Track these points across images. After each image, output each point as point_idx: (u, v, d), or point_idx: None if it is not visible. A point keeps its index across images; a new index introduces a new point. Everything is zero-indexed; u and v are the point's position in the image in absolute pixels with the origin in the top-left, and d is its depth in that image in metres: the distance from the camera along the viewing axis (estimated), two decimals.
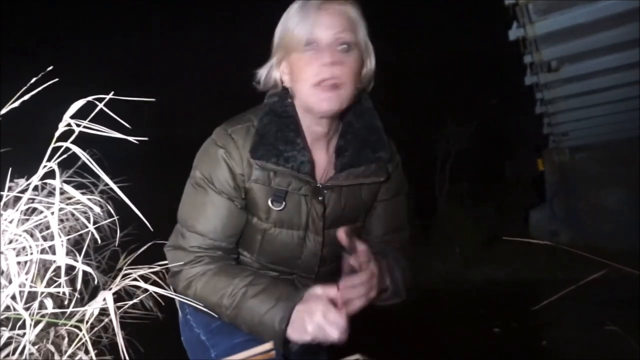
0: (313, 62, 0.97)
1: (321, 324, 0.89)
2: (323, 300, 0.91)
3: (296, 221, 1.06)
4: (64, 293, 0.75)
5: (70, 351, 0.82)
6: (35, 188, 0.75)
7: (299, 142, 1.01)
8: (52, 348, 0.86)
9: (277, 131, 1.01)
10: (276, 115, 1.02)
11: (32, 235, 0.75)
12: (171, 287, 1.04)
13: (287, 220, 1.05)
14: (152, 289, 0.85)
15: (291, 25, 0.98)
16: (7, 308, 0.72)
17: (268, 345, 0.97)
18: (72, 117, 0.66)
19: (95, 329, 0.96)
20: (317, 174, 1.07)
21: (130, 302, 0.92)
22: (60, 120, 0.68)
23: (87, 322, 0.77)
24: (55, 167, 0.68)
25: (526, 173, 8.59)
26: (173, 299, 1.11)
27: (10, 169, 0.92)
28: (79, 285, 0.74)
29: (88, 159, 0.67)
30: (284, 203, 1.03)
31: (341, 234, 0.95)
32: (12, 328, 0.77)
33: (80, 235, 1.04)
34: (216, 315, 1.01)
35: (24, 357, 0.74)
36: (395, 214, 1.21)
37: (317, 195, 1.05)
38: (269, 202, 1.03)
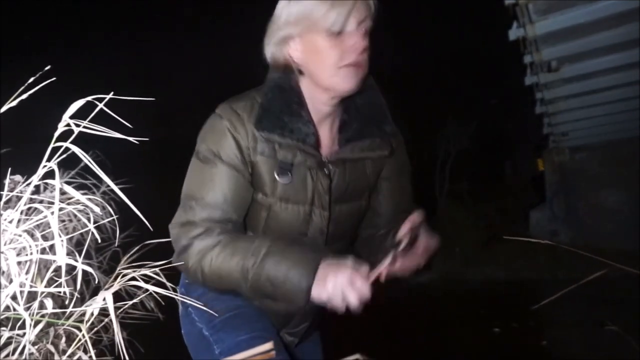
0: (341, 46, 0.97)
1: (344, 285, 0.89)
2: (351, 266, 0.92)
3: (302, 195, 1.05)
4: (64, 293, 0.75)
5: (70, 351, 0.82)
6: (37, 188, 0.75)
7: (303, 115, 1.02)
8: (52, 348, 0.86)
9: (281, 104, 1.02)
10: (280, 90, 1.03)
11: (32, 235, 0.75)
12: (180, 266, 1.01)
13: (292, 194, 1.04)
14: (151, 288, 0.85)
15: (319, 7, 0.96)
16: (7, 308, 0.72)
17: (268, 346, 0.97)
18: (72, 117, 0.66)
19: (95, 329, 0.96)
20: (322, 148, 1.07)
21: (130, 302, 0.92)
22: (60, 120, 0.68)
23: (86, 322, 0.77)
24: (55, 167, 0.68)
25: (526, 173, 8.60)
26: (173, 299, 1.11)
27: (10, 169, 0.92)
28: (79, 285, 0.73)
29: (88, 159, 0.67)
30: (289, 176, 1.02)
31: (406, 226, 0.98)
32: (12, 328, 0.77)
33: (82, 235, 1.04)
34: (232, 287, 0.99)
35: (23, 357, 0.74)
36: (402, 192, 1.21)
37: (322, 168, 1.05)
38: (275, 175, 1.02)
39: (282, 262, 0.94)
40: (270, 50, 1.05)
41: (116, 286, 0.84)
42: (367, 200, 1.17)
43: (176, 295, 0.99)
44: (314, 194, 1.05)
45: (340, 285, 0.90)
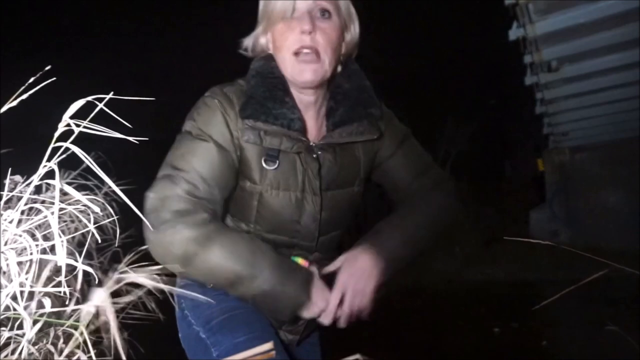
0: (292, 29, 0.98)
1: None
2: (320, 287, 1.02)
3: (292, 182, 1.04)
4: (64, 293, 0.75)
5: (67, 351, 0.82)
6: (37, 188, 0.75)
7: (287, 101, 1.01)
8: (51, 348, 0.86)
9: (265, 90, 1.01)
10: (263, 77, 1.03)
11: (32, 236, 0.75)
12: (150, 239, 0.94)
13: (282, 181, 1.03)
14: (148, 283, 0.85)
15: None
16: (7, 308, 0.72)
17: (268, 346, 0.97)
18: (72, 117, 0.66)
19: (93, 327, 0.95)
20: (309, 134, 1.07)
21: (129, 300, 0.92)
22: (60, 120, 0.68)
23: (85, 322, 0.77)
24: (55, 167, 0.68)
25: (526, 173, 8.59)
26: (174, 299, 1.11)
27: (10, 169, 0.92)
28: (78, 285, 0.73)
29: (88, 159, 0.67)
30: (277, 162, 1.01)
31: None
32: (12, 328, 0.77)
33: (83, 235, 1.04)
34: (215, 283, 0.98)
35: (23, 357, 0.74)
36: (412, 158, 1.20)
37: (310, 152, 1.04)
38: (263, 162, 1.01)
39: (277, 278, 0.96)
40: (251, 40, 1.08)
41: (113, 286, 0.84)
42: (360, 187, 1.16)
43: (175, 290, 0.99)
44: (304, 179, 1.04)
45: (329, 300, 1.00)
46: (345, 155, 1.10)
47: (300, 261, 1.07)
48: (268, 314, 1.05)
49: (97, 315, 0.79)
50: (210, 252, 0.93)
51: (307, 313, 1.00)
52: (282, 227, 1.07)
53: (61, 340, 0.88)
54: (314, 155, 1.05)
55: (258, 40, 1.07)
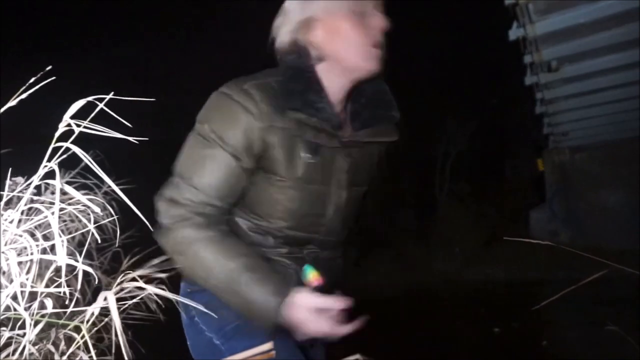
0: (366, 26, 1.01)
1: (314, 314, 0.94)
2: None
3: (324, 176, 1.04)
4: (64, 293, 0.75)
5: (70, 351, 0.82)
6: (37, 188, 0.75)
7: (324, 97, 1.01)
8: (52, 348, 0.86)
9: (305, 84, 1.00)
10: (300, 71, 1.02)
11: (33, 236, 0.75)
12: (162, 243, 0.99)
13: (315, 174, 1.03)
14: (152, 290, 0.85)
15: None
16: (8, 308, 0.72)
17: (268, 346, 0.97)
18: (73, 117, 0.66)
19: (95, 328, 0.96)
20: (340, 131, 1.08)
21: (132, 302, 0.92)
22: (60, 120, 0.68)
23: (87, 322, 0.77)
24: (55, 167, 0.68)
25: (526, 173, 8.59)
26: (179, 305, 1.10)
27: (10, 169, 0.92)
28: (79, 285, 0.73)
29: (88, 159, 0.67)
30: (316, 155, 1.02)
31: None
32: (13, 328, 0.77)
33: (83, 235, 1.04)
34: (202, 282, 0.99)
35: (24, 357, 0.74)
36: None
37: (343, 149, 1.06)
38: (302, 154, 1.00)
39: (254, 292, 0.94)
40: (287, 35, 1.03)
41: (116, 287, 0.85)
42: (367, 189, 1.18)
43: (180, 298, 0.99)
44: (333, 174, 1.05)
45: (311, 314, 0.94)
46: (365, 155, 1.12)
47: (313, 275, 1.04)
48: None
49: (98, 315, 0.79)
50: (190, 256, 0.97)
51: (300, 336, 0.97)
52: (306, 221, 1.06)
53: (63, 341, 0.88)
54: (345, 152, 1.07)
55: (304, 32, 1.02)
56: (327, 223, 1.08)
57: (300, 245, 1.09)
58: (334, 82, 1.04)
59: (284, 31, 1.04)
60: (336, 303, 0.95)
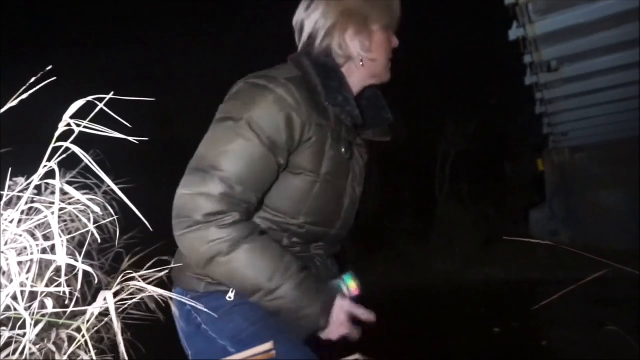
0: (393, 40, 1.12)
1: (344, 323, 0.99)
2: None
3: (346, 172, 1.08)
4: (64, 293, 0.75)
5: (70, 351, 0.82)
6: (38, 188, 0.75)
7: (352, 96, 1.05)
8: (52, 348, 0.86)
9: (337, 83, 1.03)
10: (331, 69, 1.04)
11: (33, 235, 0.75)
12: (183, 247, 0.93)
13: (337, 170, 1.05)
14: (152, 289, 0.85)
15: (392, 6, 1.09)
16: (8, 308, 0.72)
17: (268, 346, 0.97)
18: (72, 117, 0.66)
19: (95, 328, 0.96)
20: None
21: (132, 302, 0.91)
22: (60, 120, 0.68)
23: (87, 322, 0.77)
24: (55, 167, 0.68)
25: (526, 173, 8.59)
26: (174, 300, 1.09)
27: (11, 169, 0.92)
28: (79, 285, 0.74)
29: (88, 160, 0.67)
30: (351, 151, 1.08)
31: None
32: (13, 328, 0.77)
33: (83, 236, 1.04)
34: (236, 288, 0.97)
35: (24, 357, 0.74)
36: None
37: (360, 147, 1.12)
38: (342, 150, 1.04)
39: (297, 299, 0.95)
40: (321, 33, 1.04)
41: (116, 287, 0.85)
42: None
43: (183, 298, 0.99)
44: (352, 170, 1.10)
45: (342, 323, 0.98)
46: (369, 153, 1.19)
47: (353, 284, 1.09)
48: (285, 329, 1.00)
49: (98, 315, 0.79)
50: (235, 257, 0.91)
51: (325, 336, 0.99)
52: (326, 216, 1.07)
53: (65, 340, 0.88)
54: (362, 150, 1.13)
55: (343, 35, 1.03)
56: (342, 218, 1.11)
57: (312, 242, 1.09)
58: (354, 85, 1.09)
59: (316, 28, 1.04)
60: (367, 315, 0.99)
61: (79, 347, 0.80)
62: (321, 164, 1.00)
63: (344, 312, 0.98)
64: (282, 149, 0.95)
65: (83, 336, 0.75)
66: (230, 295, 1.00)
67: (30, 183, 0.73)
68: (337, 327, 0.97)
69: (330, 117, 1.01)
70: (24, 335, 0.74)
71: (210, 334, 0.99)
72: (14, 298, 0.71)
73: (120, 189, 0.71)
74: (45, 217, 0.74)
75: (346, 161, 1.07)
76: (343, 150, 1.03)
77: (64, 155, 0.69)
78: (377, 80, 1.12)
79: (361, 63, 1.06)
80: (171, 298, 0.97)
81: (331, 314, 0.97)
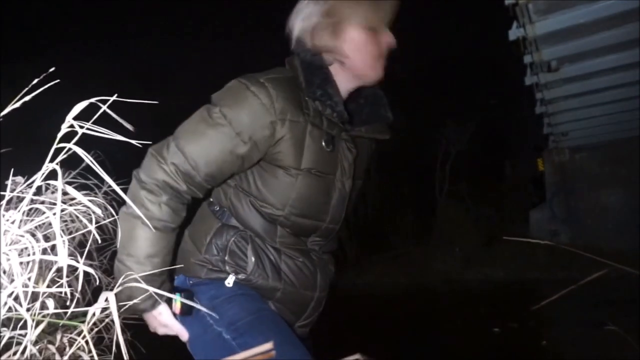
0: (384, 40, 1.11)
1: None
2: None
3: (334, 166, 1.10)
4: (65, 293, 0.75)
5: (71, 351, 0.83)
6: (39, 189, 0.75)
7: (337, 92, 1.09)
8: (53, 348, 0.86)
9: (323, 79, 1.07)
10: (316, 68, 1.08)
11: (34, 236, 0.75)
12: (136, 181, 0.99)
13: (326, 164, 1.08)
14: (153, 289, 0.85)
15: (380, 6, 1.09)
16: (9, 308, 0.72)
17: (268, 346, 0.97)
18: (75, 118, 0.67)
19: (96, 328, 0.96)
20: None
21: (132, 302, 0.91)
22: (61, 121, 0.68)
23: (88, 322, 0.77)
24: (57, 168, 0.69)
25: (526, 173, 8.60)
26: (176, 286, 1.10)
27: (12, 169, 0.93)
28: (79, 285, 0.74)
29: (90, 160, 0.67)
30: (333, 145, 1.08)
31: None
32: (14, 328, 0.77)
33: (84, 236, 1.04)
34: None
35: (25, 357, 0.74)
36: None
37: (350, 142, 1.13)
38: (323, 144, 1.06)
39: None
40: (307, 35, 1.09)
41: (117, 287, 0.85)
42: (362, 182, 1.24)
43: (184, 300, 0.99)
44: (340, 164, 1.11)
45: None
46: (363, 149, 1.19)
47: (179, 305, 1.05)
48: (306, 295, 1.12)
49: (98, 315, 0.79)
50: (138, 224, 0.96)
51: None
52: (315, 209, 1.10)
53: (65, 340, 0.88)
54: (351, 144, 1.13)
55: (328, 35, 1.08)
56: (331, 211, 1.12)
57: (306, 235, 1.13)
58: (342, 82, 1.11)
59: (303, 30, 1.10)
60: (182, 334, 1.03)
61: (79, 347, 0.80)
62: (301, 158, 1.05)
63: (157, 320, 1.02)
64: (244, 142, 1.00)
65: (84, 337, 0.75)
66: (229, 281, 1.05)
67: (31, 183, 0.73)
68: (153, 326, 1.04)
69: (310, 112, 1.06)
70: (25, 336, 0.74)
71: (208, 319, 1.03)
72: (15, 298, 0.71)
73: (121, 189, 0.72)
74: (47, 217, 0.74)
75: (331, 155, 1.09)
76: (324, 144, 1.06)
77: (65, 156, 0.69)
78: (363, 80, 1.13)
79: (343, 63, 1.10)
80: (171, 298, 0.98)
81: (150, 314, 1.01)
